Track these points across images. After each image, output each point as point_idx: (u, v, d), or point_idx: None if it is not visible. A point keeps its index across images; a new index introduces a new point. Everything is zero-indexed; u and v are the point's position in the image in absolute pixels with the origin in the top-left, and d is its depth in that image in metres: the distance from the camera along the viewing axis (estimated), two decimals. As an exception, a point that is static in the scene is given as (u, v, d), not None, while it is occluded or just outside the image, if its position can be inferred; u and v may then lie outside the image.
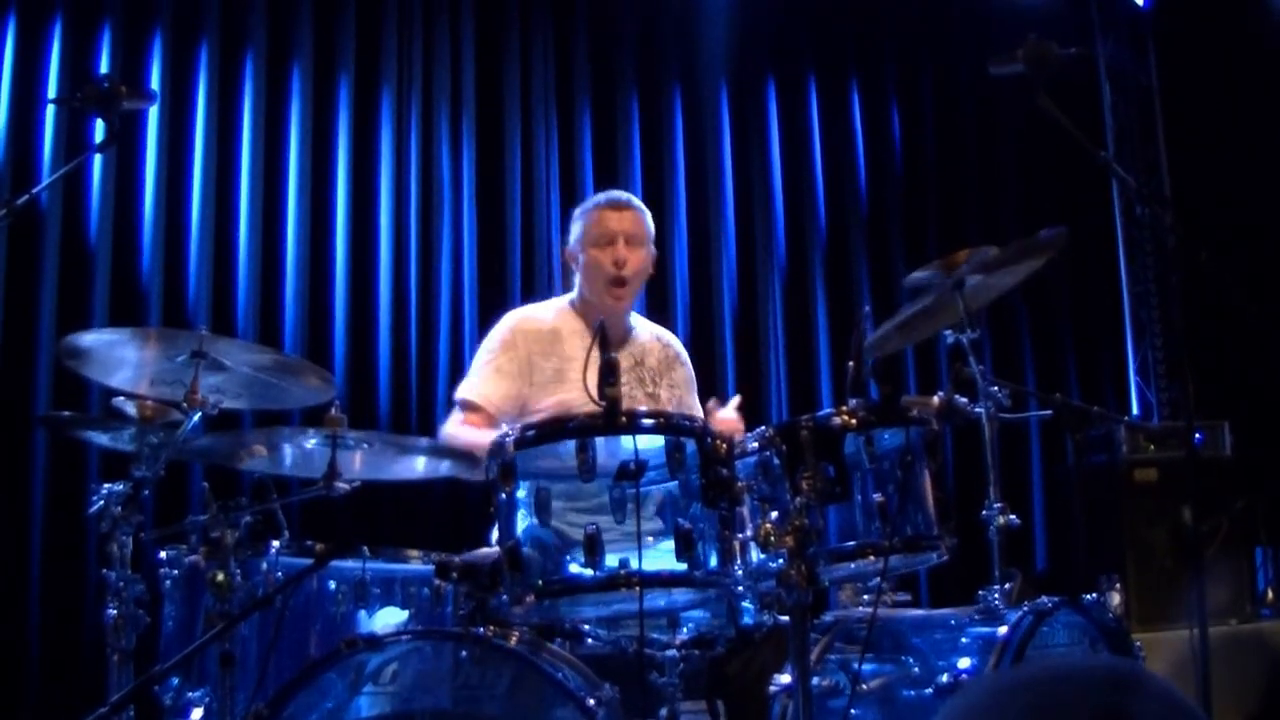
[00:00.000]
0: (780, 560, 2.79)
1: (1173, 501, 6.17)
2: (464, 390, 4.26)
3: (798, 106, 7.56)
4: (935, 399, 3.23)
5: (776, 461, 2.91)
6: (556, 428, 2.95)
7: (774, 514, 2.83)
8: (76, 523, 5.27)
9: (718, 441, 2.87)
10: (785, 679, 3.16)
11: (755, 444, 2.97)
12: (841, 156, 7.58)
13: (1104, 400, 7.61)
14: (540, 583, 2.82)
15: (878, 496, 2.94)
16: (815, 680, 3.07)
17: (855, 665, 3.22)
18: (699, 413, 4.37)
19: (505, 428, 3.98)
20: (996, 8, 7.45)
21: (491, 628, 2.97)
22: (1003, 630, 3.21)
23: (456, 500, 5.80)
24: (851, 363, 3.01)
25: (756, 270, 7.26)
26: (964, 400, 3.45)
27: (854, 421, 2.95)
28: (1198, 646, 3.17)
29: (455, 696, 2.95)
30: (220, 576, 3.11)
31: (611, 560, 2.74)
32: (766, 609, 3.13)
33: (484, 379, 4.23)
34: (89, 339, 3.50)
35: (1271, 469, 6.51)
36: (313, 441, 3.20)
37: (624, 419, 2.77)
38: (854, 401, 2.96)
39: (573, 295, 4.41)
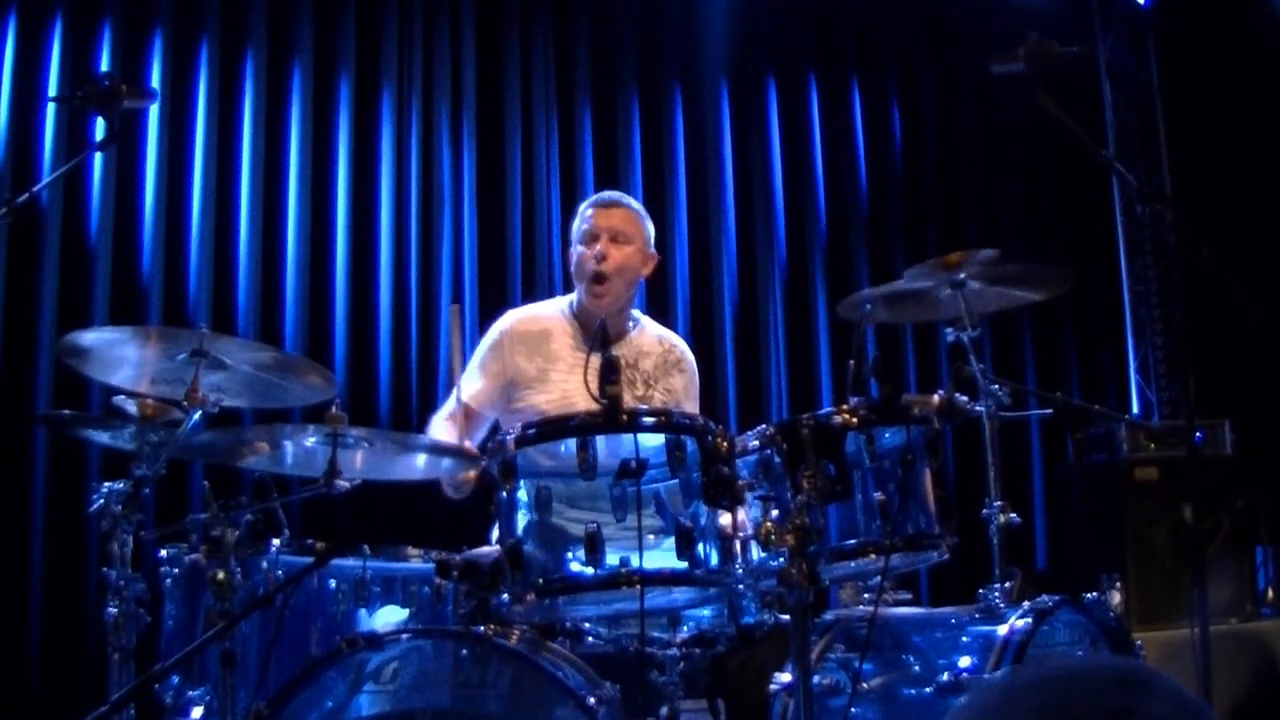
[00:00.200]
0: (781, 559, 2.79)
1: (1173, 500, 6.17)
2: (460, 390, 4.29)
3: (798, 105, 7.56)
4: (936, 397, 3.23)
5: (777, 460, 2.91)
6: (557, 426, 2.95)
7: (775, 512, 2.83)
8: (77, 521, 5.28)
9: (718, 440, 2.86)
10: (786, 677, 3.17)
11: (756, 442, 2.97)
12: (842, 155, 7.58)
13: (1104, 399, 7.61)
14: (541, 581, 2.82)
15: (878, 495, 2.94)
16: (816, 679, 3.07)
17: (856, 664, 3.22)
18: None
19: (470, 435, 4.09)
20: (997, 7, 7.45)
21: (492, 626, 2.97)
22: (1003, 629, 3.22)
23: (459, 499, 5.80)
24: (852, 361, 3.01)
25: (757, 269, 7.25)
26: (964, 399, 3.45)
27: (855, 420, 2.95)
28: (1198, 646, 3.17)
29: (456, 695, 2.95)
30: (221, 575, 3.11)
31: (612, 559, 2.73)
32: (767, 607, 3.13)
33: (474, 379, 4.30)
34: (89, 337, 3.50)
35: (1272, 468, 6.51)
36: (313, 439, 3.20)
37: (625, 417, 2.77)
38: (855, 400, 2.96)
39: (573, 297, 4.42)
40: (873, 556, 2.96)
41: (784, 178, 7.43)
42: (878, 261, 7.43)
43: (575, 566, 2.79)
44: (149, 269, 5.97)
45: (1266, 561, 6.44)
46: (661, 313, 6.34)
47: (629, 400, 4.17)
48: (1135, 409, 7.84)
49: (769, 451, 2.93)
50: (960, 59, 7.76)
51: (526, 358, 4.26)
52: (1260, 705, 5.42)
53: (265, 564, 3.36)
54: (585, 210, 4.37)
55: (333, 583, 3.40)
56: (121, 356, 3.50)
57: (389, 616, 3.47)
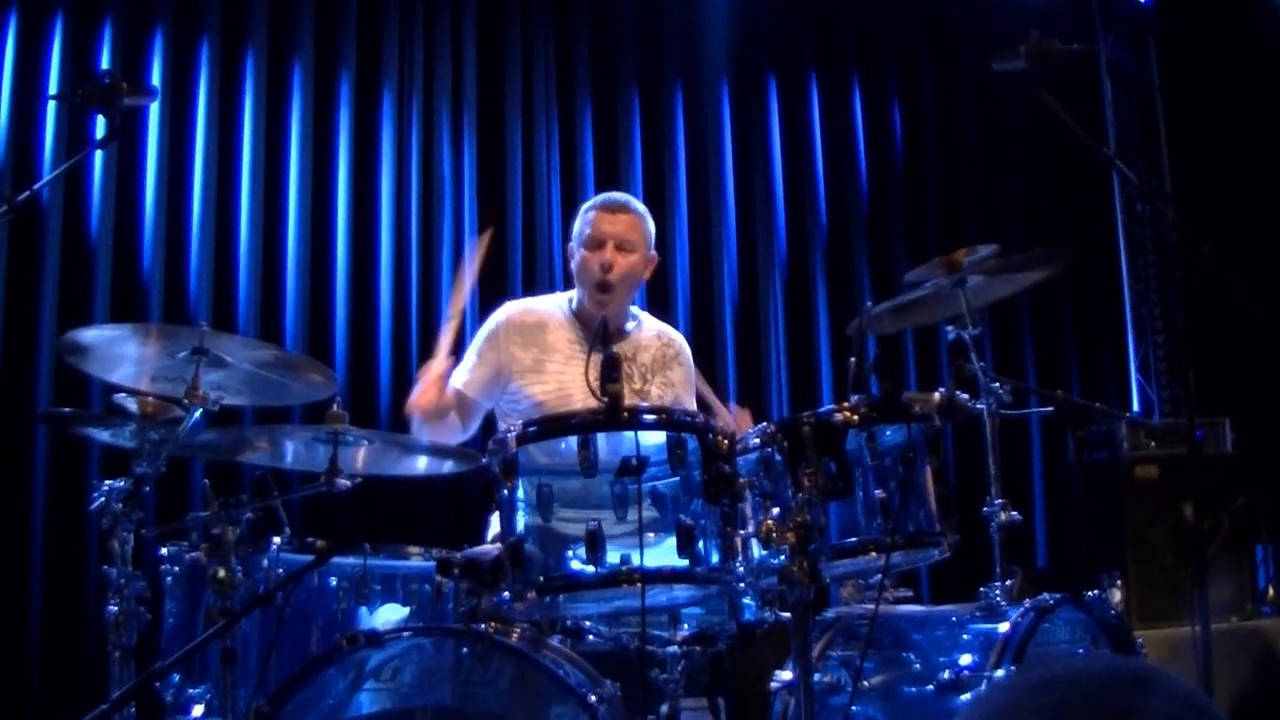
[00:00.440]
0: (782, 557, 2.79)
1: (1174, 499, 6.17)
2: (455, 378, 4.34)
3: (799, 103, 7.55)
4: (937, 395, 3.23)
5: (778, 458, 2.91)
6: (558, 423, 2.95)
7: (775, 510, 2.83)
8: (78, 519, 5.29)
9: (719, 437, 2.86)
10: (787, 675, 3.17)
11: (757, 440, 2.97)
12: (842, 153, 7.58)
13: (1105, 397, 7.60)
14: (541, 579, 2.82)
15: (879, 493, 2.94)
16: (816, 677, 3.07)
17: (856, 662, 3.22)
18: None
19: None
20: (997, 5, 7.44)
21: (492, 624, 2.97)
22: (1004, 627, 3.22)
23: (457, 497, 5.80)
24: (853, 359, 3.01)
25: (757, 267, 7.25)
26: (965, 397, 3.46)
27: (856, 418, 2.94)
28: (1199, 644, 3.17)
29: (456, 693, 2.95)
30: (221, 573, 3.11)
31: (613, 557, 2.73)
32: (768, 605, 3.12)
33: (468, 365, 4.35)
34: (90, 335, 3.50)
35: (1272, 466, 6.50)
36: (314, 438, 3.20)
37: (626, 414, 2.77)
38: (856, 398, 2.96)
39: (573, 293, 4.44)
40: (873, 554, 2.96)
41: (784, 176, 7.43)
42: (878, 260, 7.43)
43: (576, 564, 2.79)
44: (149, 267, 5.97)
45: (1267, 560, 6.44)
46: (662, 311, 6.33)
47: (628, 395, 4.18)
48: (1136, 407, 7.84)
49: (770, 449, 2.93)
50: (961, 57, 7.76)
51: (523, 348, 4.28)
52: (1261, 703, 5.42)
53: (266, 562, 3.36)
54: (590, 213, 4.36)
55: (333, 581, 3.40)
56: (122, 354, 3.50)
57: (389, 614, 3.47)
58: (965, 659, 3.23)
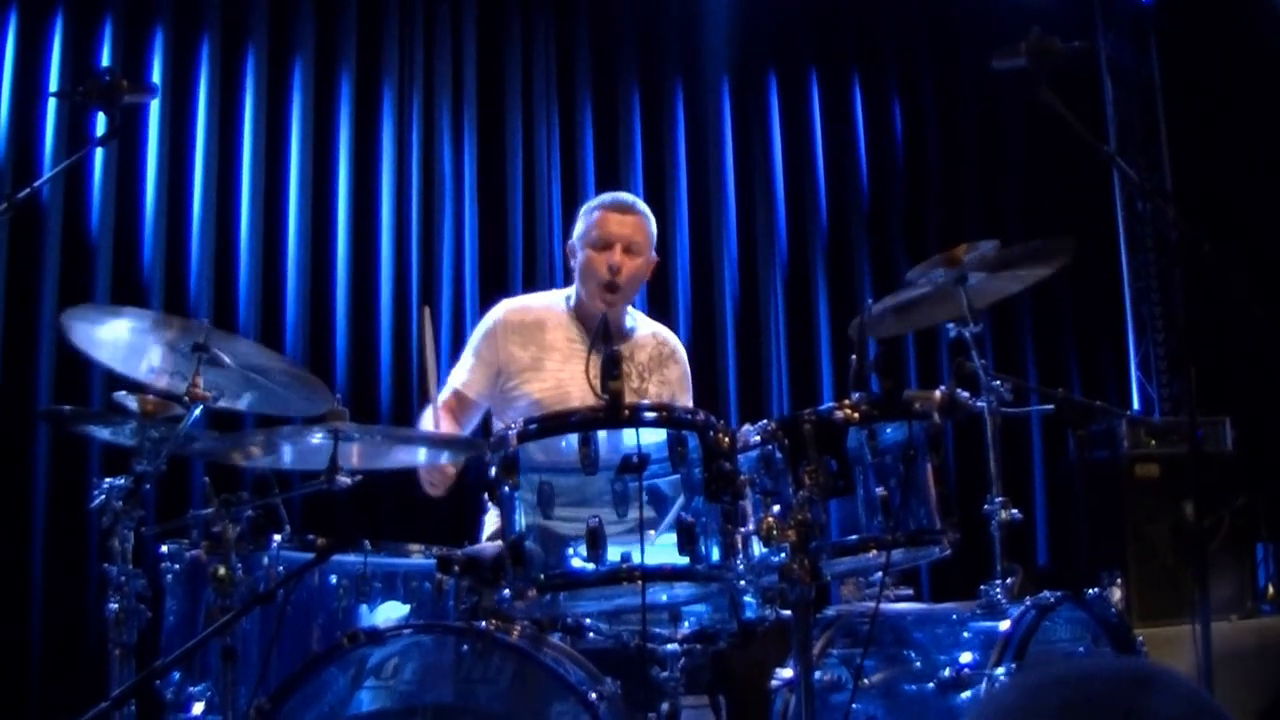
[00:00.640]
0: (783, 554, 2.79)
1: (1174, 497, 6.16)
2: (453, 379, 4.36)
3: (799, 101, 7.55)
4: (937, 393, 3.22)
5: (779, 455, 2.91)
6: (559, 421, 2.95)
7: (776, 508, 2.83)
8: (78, 517, 5.29)
9: (720, 435, 2.86)
10: (787, 673, 3.17)
11: (758, 438, 2.96)
12: (843, 151, 7.58)
13: (1105, 395, 7.60)
14: (542, 577, 2.82)
15: (880, 490, 2.94)
16: (817, 675, 3.07)
17: (857, 660, 3.22)
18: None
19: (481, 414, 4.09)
20: (998, 3, 7.43)
21: (493, 622, 2.97)
22: (1005, 625, 3.22)
23: (458, 495, 5.79)
24: (854, 356, 3.00)
25: (758, 265, 7.25)
26: (966, 395, 3.45)
27: (857, 415, 2.94)
28: (1199, 642, 3.16)
29: (457, 690, 2.95)
30: (222, 571, 3.11)
31: (613, 554, 2.73)
32: (769, 603, 3.12)
33: (466, 366, 4.36)
34: (96, 323, 3.48)
35: (1273, 465, 6.50)
36: (318, 437, 3.19)
37: (626, 412, 2.77)
38: (856, 395, 2.95)
39: (569, 291, 4.44)
40: (874, 552, 2.96)
41: (785, 174, 7.43)
42: (879, 258, 7.43)
43: (576, 562, 2.79)
44: (150, 265, 5.97)
45: (1267, 558, 6.44)
46: (662, 309, 6.36)
47: (625, 394, 4.18)
48: (1136, 405, 7.84)
49: (770, 447, 2.93)
50: (961, 55, 7.75)
51: (520, 346, 4.28)
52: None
53: (266, 560, 3.35)
54: (596, 212, 4.35)
55: (334, 578, 3.40)
56: (126, 341, 3.49)
57: (390, 612, 3.46)
58: (966, 657, 3.23)
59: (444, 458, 3.71)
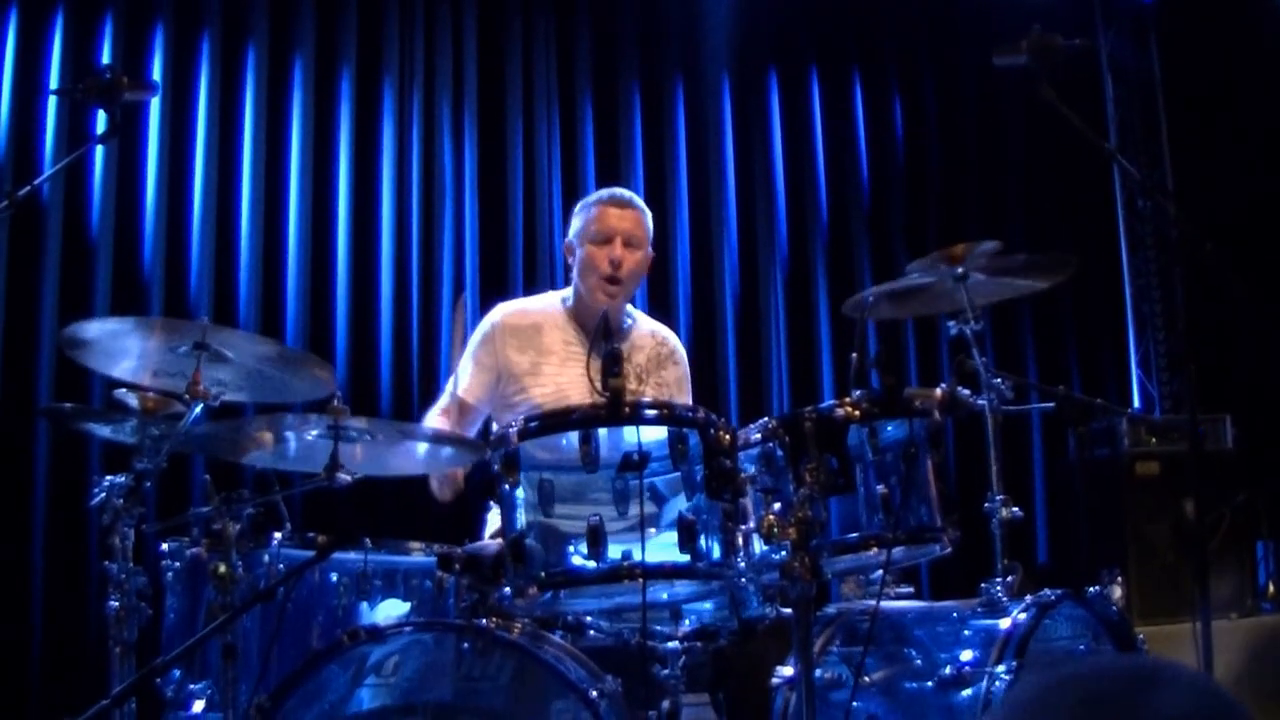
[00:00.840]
0: (783, 552, 2.79)
1: (1174, 495, 6.16)
2: (454, 384, 4.31)
3: (799, 99, 7.55)
4: (938, 391, 3.22)
5: (780, 453, 2.90)
6: (559, 418, 2.94)
7: (777, 505, 2.83)
8: (78, 515, 5.29)
9: (721, 432, 2.86)
10: (788, 671, 3.16)
11: (758, 435, 2.96)
12: (843, 149, 7.58)
13: (1105, 393, 7.60)
14: (542, 574, 2.82)
15: (881, 488, 2.94)
16: (818, 673, 3.06)
17: (858, 658, 3.22)
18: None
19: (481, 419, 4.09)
20: (998, 1, 7.42)
21: (493, 620, 2.97)
22: (1005, 623, 3.21)
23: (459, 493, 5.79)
24: (854, 354, 3.00)
25: (758, 262, 7.25)
26: (967, 392, 3.45)
27: (857, 413, 2.93)
28: (1200, 640, 3.16)
29: (457, 688, 2.95)
30: (222, 568, 3.11)
31: (614, 552, 2.73)
32: (769, 601, 3.12)
33: (468, 373, 4.31)
34: (92, 329, 3.49)
35: (1273, 463, 6.50)
36: (314, 432, 3.19)
37: (627, 410, 2.77)
38: (857, 393, 2.95)
39: (566, 292, 4.43)
40: (875, 550, 2.96)
41: (785, 171, 7.43)
42: (879, 255, 7.43)
43: (577, 560, 2.79)
44: (150, 262, 5.97)
45: (1267, 556, 6.44)
46: (662, 307, 6.36)
47: None
48: (1136, 403, 7.84)
49: (771, 445, 2.93)
50: (962, 53, 7.75)
51: (519, 350, 4.27)
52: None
53: (267, 557, 3.36)
54: (595, 208, 4.35)
55: (334, 576, 3.40)
56: (123, 348, 3.49)
57: (390, 610, 3.47)
58: (966, 655, 3.23)
59: (444, 454, 3.70)
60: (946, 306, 3.82)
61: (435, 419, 4.25)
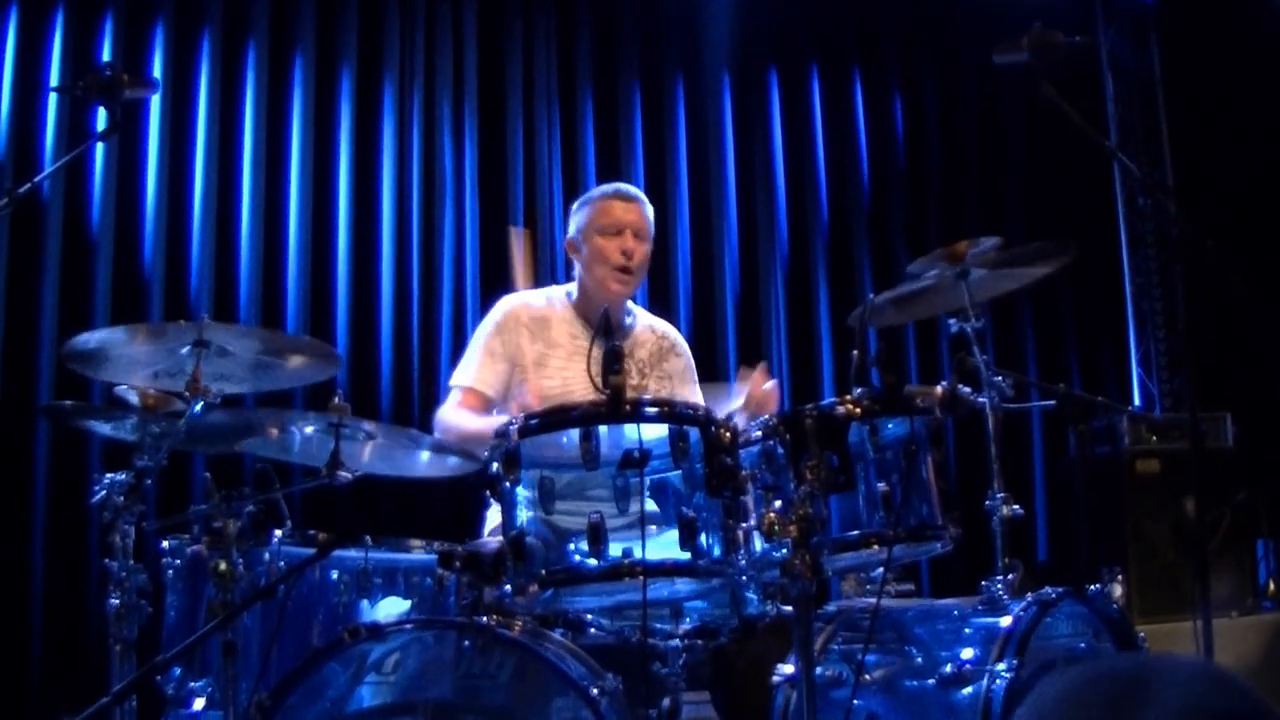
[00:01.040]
0: (784, 550, 2.79)
1: (1175, 493, 6.16)
2: (460, 376, 4.31)
3: (800, 97, 7.55)
4: (939, 389, 3.22)
5: (780, 450, 2.90)
6: (560, 416, 2.94)
7: (778, 503, 2.83)
8: (79, 513, 5.29)
9: (721, 430, 2.86)
10: (788, 669, 3.17)
11: (759, 433, 2.96)
12: (844, 147, 7.58)
13: (1106, 391, 7.60)
14: (543, 572, 2.82)
15: (881, 486, 2.94)
16: (818, 670, 3.07)
17: (858, 656, 3.22)
18: (698, 399, 4.39)
19: (499, 414, 4.07)
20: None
21: (494, 617, 2.97)
22: (1006, 621, 3.21)
23: (459, 490, 5.79)
24: (855, 352, 3.00)
25: (759, 260, 7.25)
26: (967, 390, 3.45)
27: (858, 411, 2.94)
28: (1200, 639, 3.16)
29: (458, 686, 2.95)
30: (223, 566, 3.11)
31: (614, 550, 2.73)
32: (770, 599, 3.12)
33: (479, 363, 4.28)
34: (92, 340, 3.47)
35: (1273, 461, 6.50)
36: (311, 428, 3.19)
37: (628, 407, 2.77)
38: (858, 390, 2.95)
39: (570, 287, 4.43)
40: (875, 547, 2.96)
41: (786, 170, 7.42)
42: (879, 254, 7.43)
43: (578, 557, 2.79)
44: (150, 260, 5.97)
45: (1267, 555, 6.44)
46: (663, 304, 6.35)
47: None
48: (1137, 401, 7.84)
49: (772, 442, 2.92)
50: (962, 51, 7.75)
51: (530, 340, 4.27)
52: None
53: (267, 555, 3.36)
54: (602, 201, 4.37)
55: (335, 574, 3.40)
56: (124, 355, 3.49)
57: (391, 608, 3.47)
58: (967, 653, 3.22)
59: (450, 462, 3.70)
60: (948, 306, 3.82)
61: (455, 412, 4.21)
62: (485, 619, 2.96)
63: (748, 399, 3.97)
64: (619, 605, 3.05)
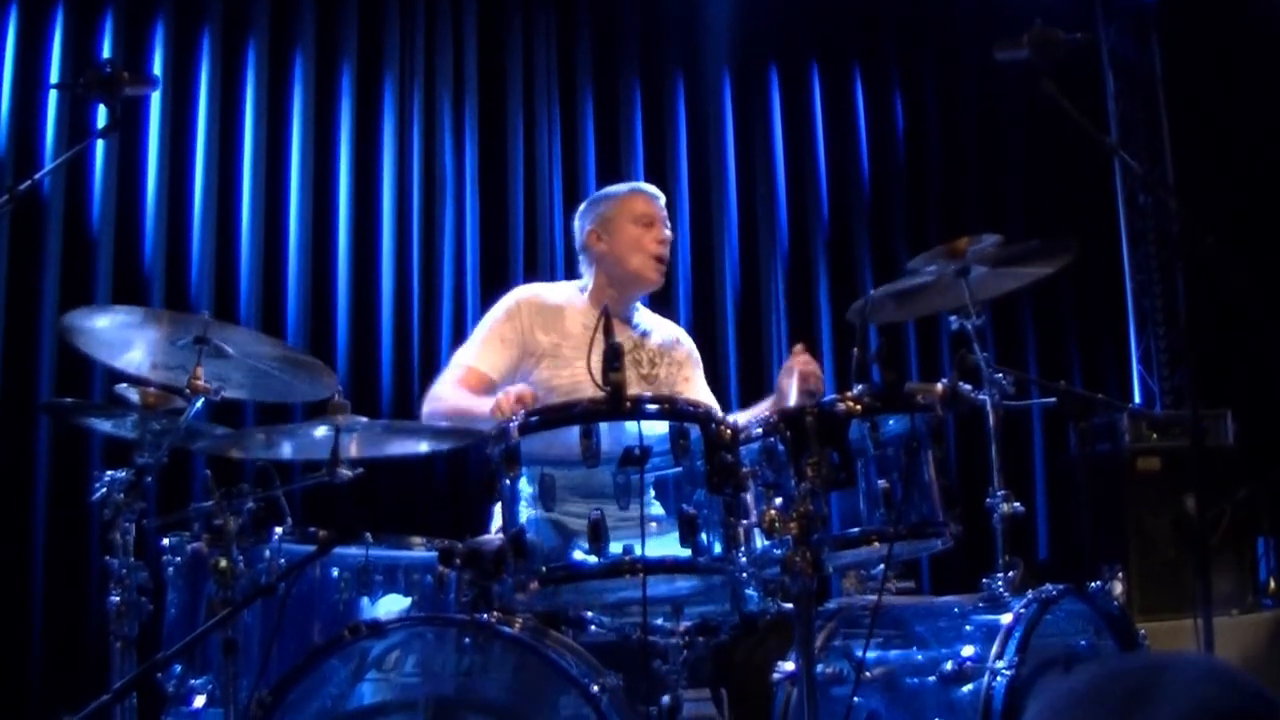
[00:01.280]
0: (785, 547, 2.79)
1: (1175, 491, 6.16)
2: (463, 355, 4.26)
3: (800, 94, 7.54)
4: (939, 386, 3.22)
5: (781, 447, 2.90)
6: (561, 413, 2.94)
7: (778, 500, 2.83)
8: (79, 510, 5.29)
9: (722, 427, 2.86)
10: (789, 666, 3.17)
11: (760, 430, 2.96)
12: (844, 144, 7.57)
13: (1106, 389, 7.60)
14: (544, 569, 2.82)
15: (882, 483, 2.94)
16: (819, 668, 3.07)
17: (859, 653, 3.22)
18: (706, 393, 4.40)
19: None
20: (999, -4, 7.44)
21: (495, 614, 2.97)
22: (1007, 618, 3.21)
23: (460, 487, 5.81)
24: (856, 349, 3.00)
25: (759, 257, 7.25)
26: (968, 387, 3.45)
27: (859, 407, 2.94)
28: (1201, 636, 3.16)
29: (458, 683, 2.95)
30: (223, 563, 3.11)
31: (615, 547, 2.73)
32: (770, 596, 3.12)
33: (488, 347, 4.23)
34: (94, 317, 3.48)
35: (1274, 458, 6.49)
36: (322, 430, 3.19)
37: (628, 404, 2.77)
38: (858, 388, 2.95)
39: (582, 283, 4.42)
40: (876, 545, 2.96)
41: (786, 167, 7.42)
42: (880, 251, 7.43)
43: (578, 555, 2.79)
44: (151, 257, 5.97)
45: (1268, 552, 6.43)
46: (664, 302, 6.33)
47: (635, 380, 4.17)
48: (1137, 399, 7.83)
49: (773, 439, 2.93)
50: (962, 48, 7.74)
51: (544, 331, 4.24)
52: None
53: (268, 552, 3.35)
54: (629, 196, 4.41)
55: (335, 571, 3.39)
56: (125, 338, 3.49)
57: (391, 605, 3.46)
58: (968, 650, 3.22)
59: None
60: (948, 303, 3.81)
61: (452, 388, 4.15)
62: (486, 616, 2.96)
63: (799, 379, 3.99)
64: (620, 602, 3.05)
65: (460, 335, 6.26)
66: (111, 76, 3.24)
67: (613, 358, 2.76)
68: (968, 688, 3.15)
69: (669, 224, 4.40)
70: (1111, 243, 8.06)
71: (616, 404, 2.75)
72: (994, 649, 3.13)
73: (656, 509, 3.07)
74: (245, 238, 6.15)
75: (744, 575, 2.92)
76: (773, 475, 2.91)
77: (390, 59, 6.58)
